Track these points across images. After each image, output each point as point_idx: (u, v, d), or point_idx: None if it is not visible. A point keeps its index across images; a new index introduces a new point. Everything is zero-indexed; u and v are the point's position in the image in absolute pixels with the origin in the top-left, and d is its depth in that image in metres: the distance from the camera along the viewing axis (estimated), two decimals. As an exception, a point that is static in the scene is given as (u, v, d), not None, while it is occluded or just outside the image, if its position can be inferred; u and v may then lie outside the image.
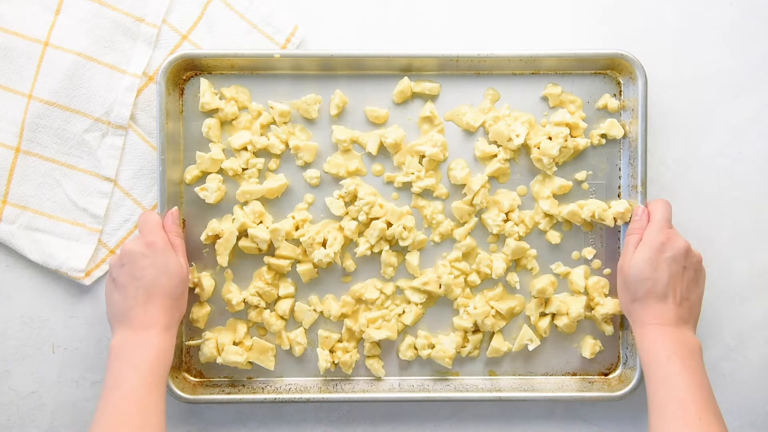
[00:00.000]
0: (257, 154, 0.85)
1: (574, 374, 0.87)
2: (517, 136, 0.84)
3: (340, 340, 0.86)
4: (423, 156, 0.85)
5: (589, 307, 0.86)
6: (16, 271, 0.86)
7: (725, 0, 0.87)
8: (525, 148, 0.86)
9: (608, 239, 0.87)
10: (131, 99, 0.85)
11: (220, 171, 0.85)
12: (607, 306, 0.85)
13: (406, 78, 0.85)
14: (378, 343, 0.86)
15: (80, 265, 0.84)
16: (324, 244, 0.84)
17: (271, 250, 0.85)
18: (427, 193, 0.86)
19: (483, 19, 0.88)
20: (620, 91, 0.86)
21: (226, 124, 0.85)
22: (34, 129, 0.84)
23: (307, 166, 0.86)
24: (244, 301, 0.85)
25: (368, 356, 0.86)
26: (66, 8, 0.84)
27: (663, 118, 0.87)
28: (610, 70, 0.86)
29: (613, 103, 0.86)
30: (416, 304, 0.85)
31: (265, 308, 0.85)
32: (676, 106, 0.87)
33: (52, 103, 0.83)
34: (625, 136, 0.85)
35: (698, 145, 0.88)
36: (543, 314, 0.87)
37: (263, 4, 0.86)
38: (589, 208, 0.85)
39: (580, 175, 0.86)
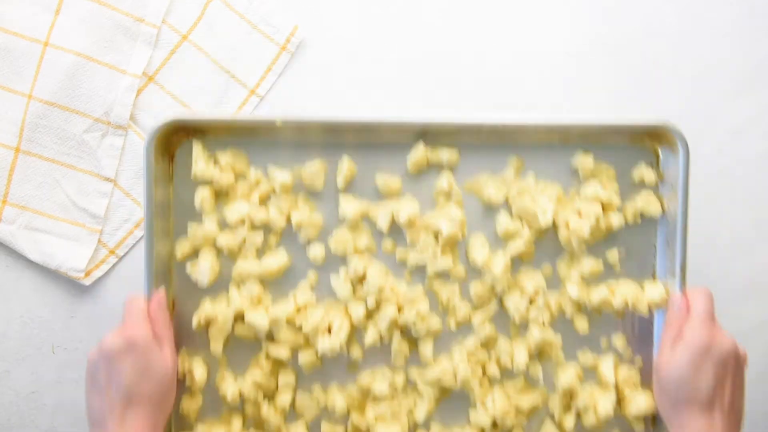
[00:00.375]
0: (255, 227, 0.78)
1: (601, 475, 0.80)
2: (545, 213, 0.76)
3: (345, 436, 0.79)
4: (438, 232, 0.77)
5: (618, 401, 0.79)
6: (16, 271, 0.84)
7: (725, 0, 0.85)
8: (552, 225, 0.78)
9: (641, 326, 0.79)
10: (131, 99, 0.82)
11: (214, 246, 0.78)
12: (639, 404, 0.77)
13: (421, 145, 0.77)
14: (387, 440, 0.79)
15: (80, 265, 0.82)
16: (329, 329, 0.77)
17: (271, 335, 0.78)
18: (442, 273, 0.79)
19: (484, 19, 0.85)
20: (658, 162, 0.78)
21: (221, 193, 0.78)
22: (34, 129, 0.82)
23: (310, 242, 0.78)
24: (239, 393, 0.78)
25: (377, 454, 0.79)
26: (66, 8, 0.82)
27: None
28: (648, 139, 0.78)
29: (650, 175, 0.78)
30: (429, 398, 0.79)
31: (263, 400, 0.79)
32: (676, 106, 0.85)
33: (51, 103, 0.81)
34: (663, 213, 0.78)
35: (698, 145, 0.83)
36: (568, 408, 0.79)
37: (263, 4, 0.84)
38: (620, 292, 0.77)
39: (612, 255, 0.79)
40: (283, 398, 0.79)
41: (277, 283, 0.79)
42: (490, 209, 0.79)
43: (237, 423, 0.79)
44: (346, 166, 0.77)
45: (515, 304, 0.77)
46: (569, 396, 0.79)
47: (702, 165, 0.84)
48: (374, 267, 0.78)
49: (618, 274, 0.79)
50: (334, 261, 0.79)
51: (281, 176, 0.77)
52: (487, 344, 0.79)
